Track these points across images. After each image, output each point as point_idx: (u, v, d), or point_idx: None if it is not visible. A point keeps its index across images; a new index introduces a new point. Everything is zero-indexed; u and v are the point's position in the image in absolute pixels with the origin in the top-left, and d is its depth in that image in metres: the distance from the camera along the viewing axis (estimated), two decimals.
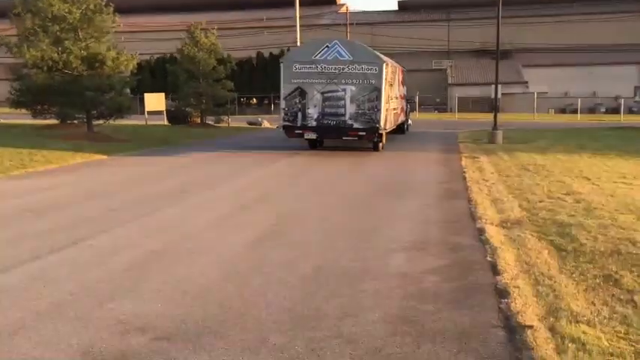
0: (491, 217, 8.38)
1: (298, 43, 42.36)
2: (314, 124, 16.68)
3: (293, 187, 11.72)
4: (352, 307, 4.93)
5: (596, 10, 53.08)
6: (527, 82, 49.29)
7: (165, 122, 31.70)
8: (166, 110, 32.35)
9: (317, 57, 16.35)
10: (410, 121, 26.94)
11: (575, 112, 44.21)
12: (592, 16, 52.36)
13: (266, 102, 50.34)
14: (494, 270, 5.91)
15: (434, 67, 54.44)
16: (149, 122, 30.52)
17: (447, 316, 4.74)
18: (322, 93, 16.40)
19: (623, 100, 41.07)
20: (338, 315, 4.75)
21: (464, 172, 13.38)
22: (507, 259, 6.24)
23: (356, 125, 16.52)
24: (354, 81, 16.27)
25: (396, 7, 66.68)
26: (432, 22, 56.79)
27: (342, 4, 64.06)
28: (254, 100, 51.89)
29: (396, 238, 7.36)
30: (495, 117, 21.89)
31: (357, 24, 53.17)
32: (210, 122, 31.17)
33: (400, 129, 23.36)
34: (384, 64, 16.75)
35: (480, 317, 4.71)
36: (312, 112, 16.56)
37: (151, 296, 5.20)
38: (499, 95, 24.48)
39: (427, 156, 17.26)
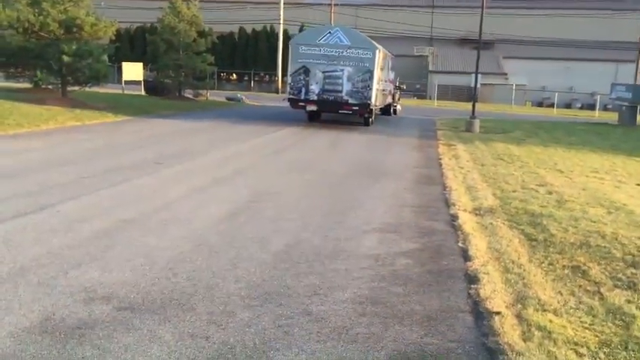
0: (464, 203, 8.42)
1: (281, 21, 42.00)
2: (315, 98, 18.97)
3: (273, 163, 11.63)
4: (322, 286, 4.91)
5: (577, 6, 53.47)
6: (506, 74, 49.52)
7: (143, 93, 31.18)
8: (144, 81, 31.79)
9: (320, 41, 18.73)
10: (399, 106, 28.42)
11: (551, 105, 44.64)
12: (574, 11, 52.70)
13: (246, 79, 49.77)
14: (466, 256, 5.93)
15: (415, 54, 54.35)
16: (126, 92, 29.97)
17: (416, 299, 4.74)
18: (323, 72, 18.77)
19: (599, 96, 41.53)
20: (307, 293, 4.72)
21: (440, 158, 13.42)
22: (479, 245, 6.26)
23: (351, 101, 18.84)
24: (351, 63, 18.64)
25: None
26: (416, 8, 56.59)
27: None
28: (234, 75, 51.26)
29: (370, 219, 7.34)
30: (474, 106, 22.00)
31: (341, 5, 52.70)
32: (188, 95, 30.73)
33: (387, 111, 25.47)
34: (377, 50, 18.96)
35: (448, 302, 4.73)
36: (314, 87, 18.88)
37: (118, 265, 5.10)
38: (478, 85, 24.57)
39: (406, 141, 17.27)
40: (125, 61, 31.37)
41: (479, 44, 22.85)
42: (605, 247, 6.41)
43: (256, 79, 49.64)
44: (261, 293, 4.66)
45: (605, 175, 11.96)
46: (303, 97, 19.00)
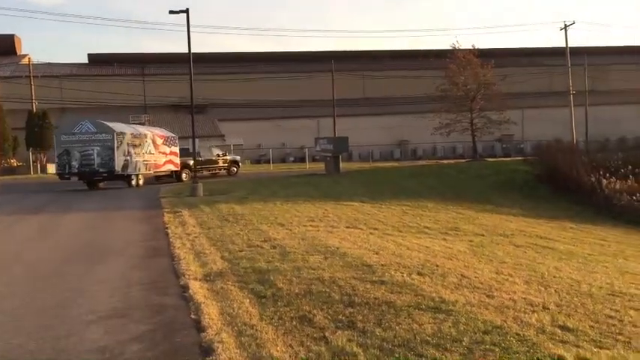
0: (194, 271, 8.34)
1: None
2: (76, 171, 25.65)
3: None
4: None
5: (276, 70, 59.00)
6: (224, 135, 51.67)
7: None
8: None
9: (75, 131, 25.62)
10: (234, 169, 35.00)
11: (268, 162, 47.84)
12: (275, 75, 57.95)
13: None
14: (199, 327, 5.82)
15: (132, 122, 53.40)
16: None
17: None
18: (80, 152, 25.36)
19: (307, 149, 45.92)
20: None
21: (166, 227, 13.17)
22: (211, 313, 6.22)
23: (101, 170, 25.52)
24: (99, 144, 25.34)
25: (86, 60, 64.12)
26: (126, 77, 56.01)
27: (25, 55, 58.97)
28: None
29: (94, 307, 6.75)
30: (195, 170, 22.33)
31: (42, 76, 49.32)
32: None
33: (179, 177, 30.44)
34: (115, 133, 25.45)
35: None
36: (75, 164, 25.47)
37: None
38: (197, 148, 25.15)
39: (130, 213, 16.60)
40: None
41: (192, 109, 23.51)
42: (325, 291, 6.92)
43: None
44: None
45: (320, 223, 13.10)
46: (67, 171, 25.66)
